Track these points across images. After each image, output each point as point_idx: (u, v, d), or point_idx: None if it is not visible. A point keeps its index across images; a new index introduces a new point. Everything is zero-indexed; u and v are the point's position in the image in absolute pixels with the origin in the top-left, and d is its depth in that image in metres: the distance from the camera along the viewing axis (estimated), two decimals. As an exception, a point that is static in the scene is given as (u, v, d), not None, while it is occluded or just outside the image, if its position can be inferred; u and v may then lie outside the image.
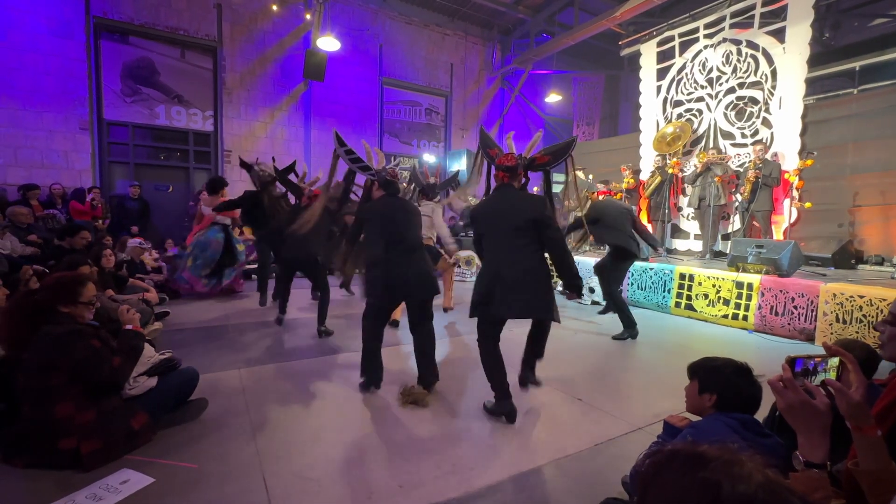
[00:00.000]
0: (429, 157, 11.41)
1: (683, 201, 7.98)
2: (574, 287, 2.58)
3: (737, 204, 6.82)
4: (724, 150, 7.48)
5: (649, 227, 8.23)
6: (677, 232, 8.21)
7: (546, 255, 2.58)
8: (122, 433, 2.05)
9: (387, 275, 2.79)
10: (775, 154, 6.67)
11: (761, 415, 1.79)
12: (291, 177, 5.07)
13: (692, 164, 7.73)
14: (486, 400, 2.71)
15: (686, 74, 8.23)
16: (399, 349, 3.83)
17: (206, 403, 2.54)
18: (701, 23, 7.91)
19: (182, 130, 9.08)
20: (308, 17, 9.72)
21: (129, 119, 8.56)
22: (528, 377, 2.87)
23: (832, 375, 0.98)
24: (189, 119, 9.10)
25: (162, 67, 8.75)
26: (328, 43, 9.25)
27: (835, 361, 0.99)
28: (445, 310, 5.25)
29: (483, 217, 2.68)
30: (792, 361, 0.95)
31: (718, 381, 1.54)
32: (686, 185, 7.73)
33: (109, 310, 3.08)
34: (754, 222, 6.52)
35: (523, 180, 2.79)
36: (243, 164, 5.39)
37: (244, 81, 9.42)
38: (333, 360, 3.59)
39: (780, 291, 4.54)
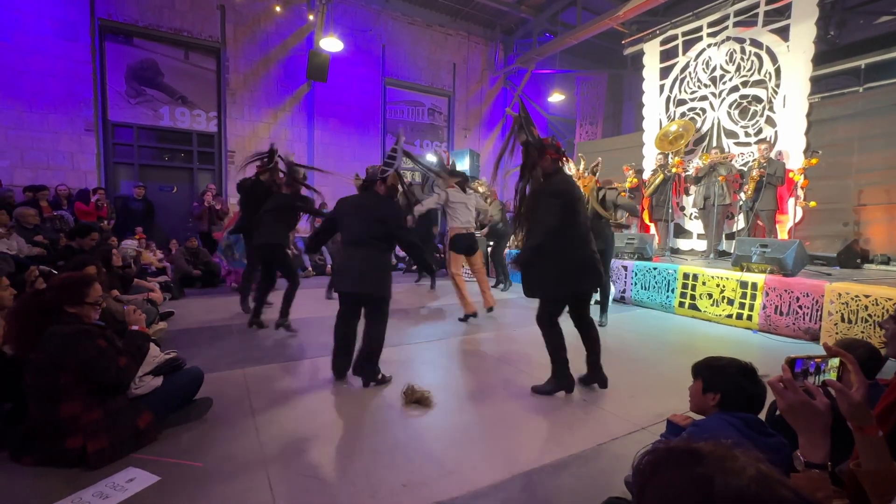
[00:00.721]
0: (431, 158, 11.43)
1: (687, 201, 7.95)
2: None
3: (741, 203, 6.80)
4: (727, 150, 7.45)
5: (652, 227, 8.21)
6: (681, 231, 8.19)
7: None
8: (128, 432, 2.07)
9: (342, 266, 3.04)
10: (779, 153, 6.63)
11: (760, 416, 1.79)
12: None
13: (695, 164, 7.70)
14: (533, 384, 2.96)
15: (689, 73, 8.20)
16: (400, 349, 3.83)
17: (210, 403, 2.56)
18: (704, 21, 7.88)
19: (186, 131, 9.13)
20: (311, 17, 9.75)
21: (134, 120, 8.62)
22: (593, 377, 3.00)
23: (833, 376, 0.98)
24: (193, 120, 9.15)
25: (166, 69, 8.81)
26: (331, 43, 9.28)
27: (835, 362, 0.99)
28: (489, 309, 5.17)
29: (575, 199, 2.80)
30: (792, 362, 0.95)
31: (722, 380, 1.54)
32: (689, 184, 7.70)
33: (115, 311, 3.11)
34: (759, 221, 6.49)
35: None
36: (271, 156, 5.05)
37: (248, 82, 9.46)
38: (337, 359, 3.60)
39: (785, 291, 4.52)
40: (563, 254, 2.73)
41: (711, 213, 6.90)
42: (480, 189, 7.13)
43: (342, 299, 3.11)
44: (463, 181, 5.19)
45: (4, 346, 2.35)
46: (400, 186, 3.26)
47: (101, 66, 8.24)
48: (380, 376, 2.99)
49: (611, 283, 5.85)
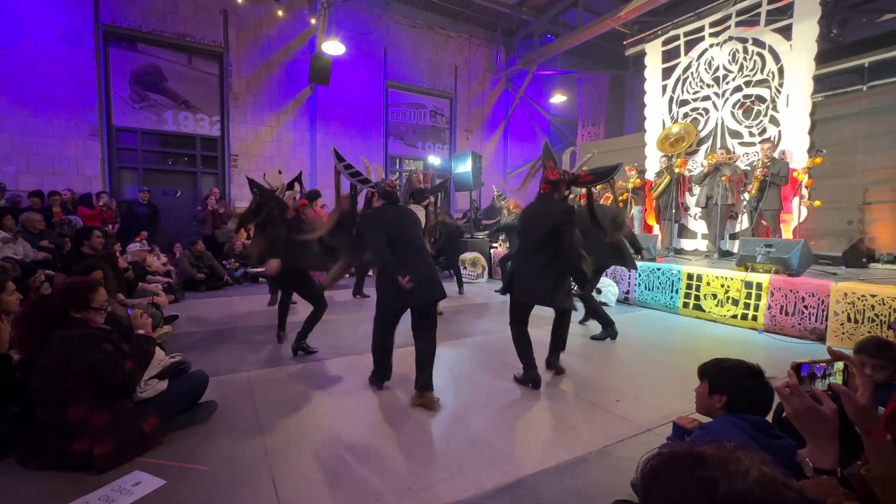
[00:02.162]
0: (433, 160, 11.45)
1: (691, 201, 7.93)
2: (577, 281, 3.29)
3: (745, 203, 6.77)
4: (731, 150, 7.42)
5: (655, 228, 8.19)
6: (685, 232, 8.16)
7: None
8: (133, 436, 2.07)
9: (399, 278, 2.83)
10: (783, 152, 6.61)
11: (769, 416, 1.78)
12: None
13: (699, 164, 7.68)
14: (514, 373, 3.21)
15: (692, 73, 8.18)
16: (407, 350, 3.82)
17: (215, 406, 2.56)
18: (706, 21, 7.87)
19: (189, 136, 9.19)
20: (313, 21, 9.80)
21: (138, 125, 8.67)
22: (553, 363, 3.34)
23: (839, 379, 0.98)
24: (196, 124, 9.20)
25: (169, 73, 8.86)
26: (333, 47, 9.32)
27: (840, 365, 0.99)
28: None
29: (524, 219, 3.21)
30: (797, 367, 0.95)
31: (729, 382, 1.52)
32: (693, 184, 7.68)
33: (120, 315, 3.12)
34: (763, 221, 6.46)
35: (566, 193, 3.20)
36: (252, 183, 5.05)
37: (250, 86, 9.51)
38: (342, 362, 3.61)
39: (790, 291, 4.50)
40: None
41: (714, 212, 6.88)
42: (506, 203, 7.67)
43: (404, 310, 2.95)
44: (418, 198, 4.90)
45: (11, 350, 2.37)
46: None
47: (105, 72, 8.30)
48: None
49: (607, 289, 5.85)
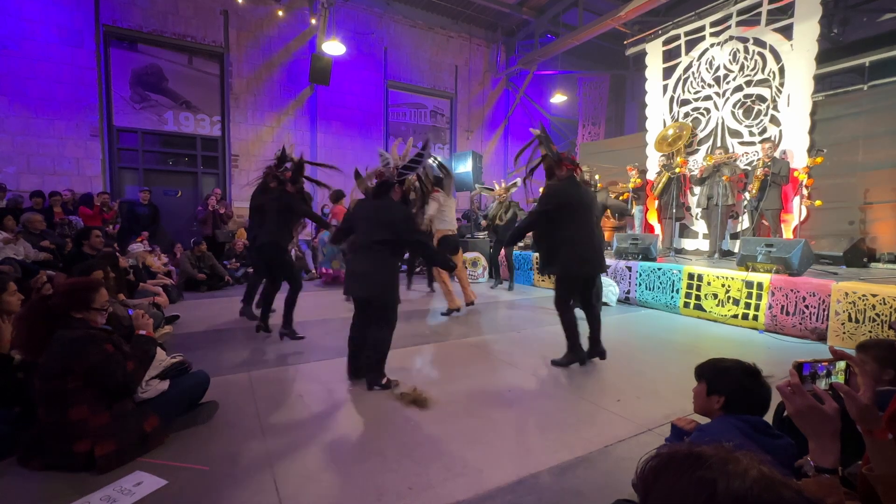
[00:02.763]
0: (434, 160, 11.43)
1: (692, 200, 7.92)
2: None
3: (745, 203, 6.76)
4: (732, 149, 7.42)
5: (657, 227, 8.19)
6: (686, 231, 8.16)
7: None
8: (135, 436, 2.08)
9: (348, 269, 3.12)
10: (784, 152, 6.60)
11: (767, 416, 1.78)
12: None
13: (701, 164, 7.68)
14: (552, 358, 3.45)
15: (692, 73, 8.17)
16: (405, 351, 3.83)
17: (216, 406, 2.57)
18: (707, 21, 7.86)
19: (190, 136, 9.20)
20: (313, 21, 9.81)
21: (139, 125, 8.69)
22: (599, 351, 3.50)
23: (840, 379, 0.98)
24: (197, 124, 9.21)
25: (170, 74, 8.87)
26: (333, 47, 9.32)
27: (842, 365, 0.99)
28: (470, 303, 5.42)
29: (573, 201, 3.32)
30: (799, 366, 0.95)
31: (727, 382, 1.52)
32: (693, 184, 7.68)
33: (121, 315, 3.13)
34: (763, 221, 6.46)
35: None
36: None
37: (251, 87, 9.52)
38: (342, 362, 3.61)
39: (791, 291, 4.49)
40: (569, 242, 3.29)
41: (714, 212, 6.88)
42: (496, 190, 7.35)
43: (354, 303, 3.19)
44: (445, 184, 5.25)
45: (13, 350, 2.37)
46: (417, 190, 3.40)
47: (105, 72, 8.32)
48: (384, 380, 2.98)
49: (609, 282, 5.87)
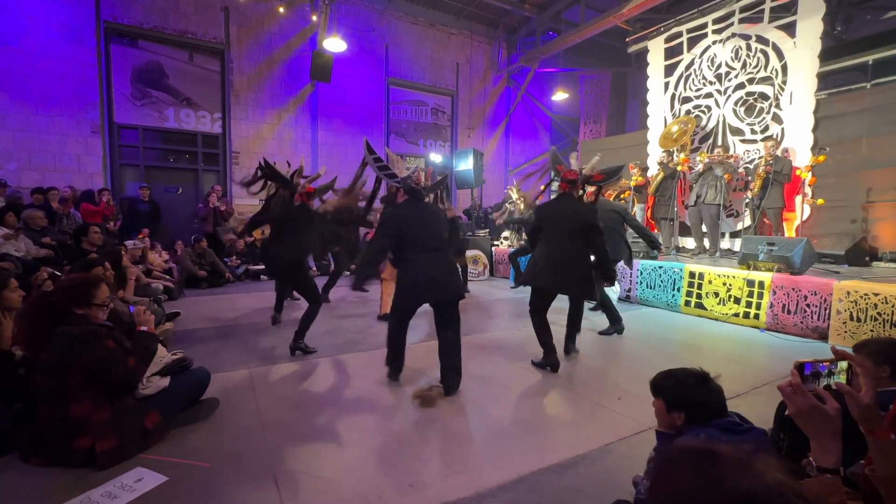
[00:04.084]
0: (435, 157, 11.42)
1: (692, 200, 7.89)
2: (608, 277, 3.52)
3: (747, 201, 6.73)
4: (732, 147, 7.39)
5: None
6: (686, 230, 8.13)
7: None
8: (136, 432, 2.08)
9: (419, 274, 2.87)
10: (786, 150, 6.58)
11: (768, 415, 1.77)
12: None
13: (697, 162, 7.64)
14: (532, 358, 3.48)
15: (694, 70, 8.14)
16: (416, 346, 3.83)
17: (217, 403, 2.57)
18: (709, 18, 7.82)
19: (191, 133, 9.18)
20: (314, 18, 9.77)
21: (139, 122, 8.67)
22: (570, 348, 3.66)
23: (842, 379, 0.97)
24: (198, 121, 9.19)
25: (171, 70, 8.85)
26: (334, 44, 9.30)
27: (844, 364, 0.98)
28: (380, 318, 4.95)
29: (547, 215, 3.42)
30: (800, 366, 0.94)
31: (683, 397, 1.52)
32: (690, 183, 7.64)
33: (121, 312, 3.13)
34: (766, 220, 6.43)
35: (580, 192, 3.54)
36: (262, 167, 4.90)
37: (251, 83, 9.50)
38: (343, 359, 3.61)
39: (793, 289, 4.48)
40: (537, 256, 3.40)
41: (703, 211, 6.84)
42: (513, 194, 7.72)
43: (414, 307, 3.00)
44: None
45: (14, 347, 2.37)
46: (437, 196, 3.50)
47: (106, 69, 8.30)
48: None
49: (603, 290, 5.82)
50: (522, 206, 7.69)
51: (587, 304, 5.66)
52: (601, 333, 4.36)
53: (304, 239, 3.84)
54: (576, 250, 3.28)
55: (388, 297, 4.80)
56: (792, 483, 0.49)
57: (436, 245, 2.93)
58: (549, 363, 3.31)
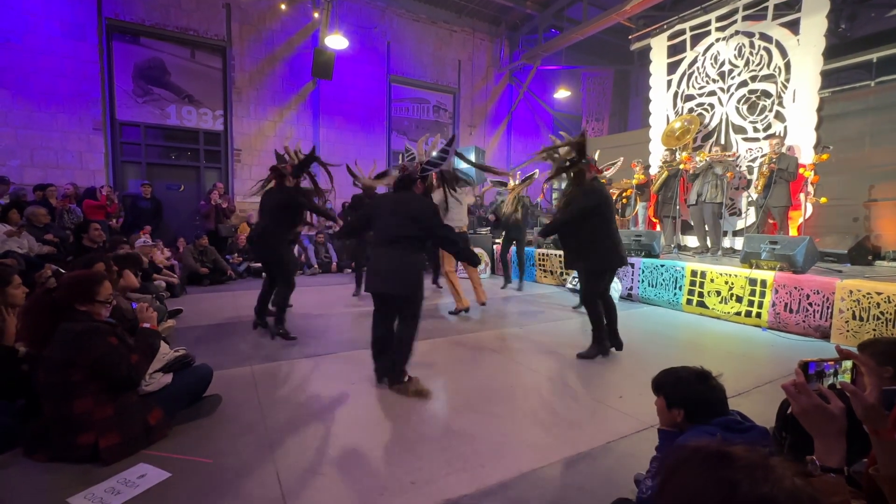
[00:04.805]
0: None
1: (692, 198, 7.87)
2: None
3: (751, 199, 6.71)
4: (735, 146, 7.36)
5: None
6: (688, 228, 8.12)
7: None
8: (139, 428, 2.09)
9: (370, 265, 3.01)
10: (790, 147, 6.55)
11: (769, 414, 1.77)
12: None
13: (695, 161, 7.61)
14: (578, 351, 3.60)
15: (697, 68, 8.11)
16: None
17: (219, 400, 2.58)
18: (713, 15, 7.79)
19: (193, 130, 9.19)
20: (316, 15, 9.76)
21: (141, 119, 8.68)
22: (617, 342, 3.72)
23: (846, 378, 0.97)
24: (199, 119, 9.19)
25: (172, 68, 8.85)
26: (336, 41, 9.28)
27: (848, 364, 0.98)
28: (482, 303, 5.39)
29: (605, 200, 3.52)
30: (805, 365, 0.94)
31: (683, 394, 1.51)
32: (687, 180, 7.62)
33: (124, 308, 3.13)
34: (770, 219, 6.42)
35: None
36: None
37: (253, 81, 9.49)
38: (345, 356, 3.62)
39: (795, 288, 4.47)
40: (607, 237, 3.51)
41: (704, 209, 6.84)
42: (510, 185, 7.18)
43: (374, 299, 3.03)
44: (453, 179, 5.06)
45: (17, 343, 2.38)
46: (443, 186, 3.38)
47: (108, 66, 8.30)
48: (406, 378, 2.90)
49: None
50: (510, 199, 7.22)
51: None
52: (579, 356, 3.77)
53: (288, 221, 4.06)
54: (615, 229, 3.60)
55: (459, 291, 5.11)
56: (809, 488, 0.49)
57: (389, 238, 2.87)
58: (602, 350, 3.49)
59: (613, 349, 3.68)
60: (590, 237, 3.47)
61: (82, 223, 4.91)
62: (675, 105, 8.50)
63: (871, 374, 0.93)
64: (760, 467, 0.49)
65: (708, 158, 6.87)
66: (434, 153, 3.25)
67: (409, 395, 2.77)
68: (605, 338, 3.50)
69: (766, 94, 7.03)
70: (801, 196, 6.18)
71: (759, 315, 4.73)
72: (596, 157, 3.99)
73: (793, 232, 6.26)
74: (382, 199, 3.09)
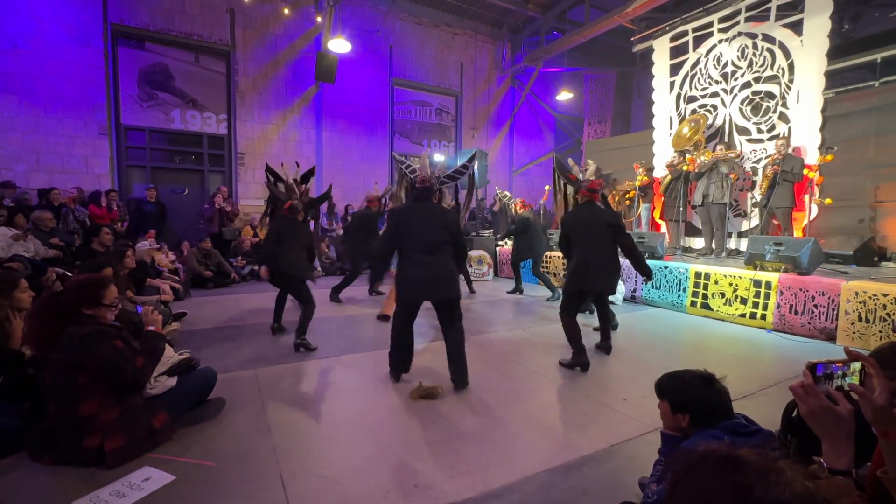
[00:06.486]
0: (439, 157, 11.43)
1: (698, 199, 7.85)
2: (645, 274, 3.61)
3: (754, 200, 6.68)
4: (738, 147, 7.33)
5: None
6: (693, 230, 8.09)
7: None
8: (143, 431, 2.10)
9: (412, 274, 2.94)
10: (795, 149, 6.52)
11: (775, 416, 1.76)
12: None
13: (699, 161, 7.59)
14: (557, 357, 3.57)
15: (700, 69, 8.10)
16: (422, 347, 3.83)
17: (223, 403, 2.59)
18: (715, 17, 7.78)
19: (197, 134, 9.25)
20: (319, 19, 9.81)
21: (146, 123, 8.74)
22: (607, 346, 3.79)
23: (855, 380, 0.96)
24: (203, 122, 9.25)
25: (177, 72, 8.92)
26: (339, 45, 9.33)
27: (857, 365, 0.97)
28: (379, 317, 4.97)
29: (575, 223, 3.60)
30: (813, 367, 0.93)
31: (688, 398, 1.51)
32: (691, 180, 7.60)
33: (129, 312, 3.15)
34: (774, 220, 6.39)
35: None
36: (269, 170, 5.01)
37: (257, 85, 9.55)
38: (349, 359, 3.62)
39: (800, 290, 4.45)
40: (574, 260, 3.56)
41: (711, 210, 6.81)
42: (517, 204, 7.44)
43: (406, 308, 3.04)
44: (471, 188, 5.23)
45: (24, 346, 2.40)
46: (456, 199, 3.48)
47: (113, 71, 8.37)
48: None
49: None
50: (517, 209, 7.38)
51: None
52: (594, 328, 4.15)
53: (301, 251, 4.06)
54: (605, 252, 3.50)
55: (390, 297, 4.90)
56: (821, 491, 0.48)
57: (428, 246, 2.93)
58: (579, 363, 3.39)
59: (603, 353, 3.76)
60: (569, 257, 3.68)
61: (93, 227, 4.94)
62: (677, 106, 8.48)
63: (882, 377, 0.92)
64: (772, 471, 0.49)
65: (713, 157, 6.85)
66: (441, 161, 3.39)
67: (415, 399, 2.77)
68: (583, 353, 3.40)
69: (770, 96, 7.01)
70: (806, 197, 6.15)
71: (763, 317, 4.70)
72: (573, 166, 4.13)
73: (798, 233, 6.22)
74: (406, 212, 3.10)
